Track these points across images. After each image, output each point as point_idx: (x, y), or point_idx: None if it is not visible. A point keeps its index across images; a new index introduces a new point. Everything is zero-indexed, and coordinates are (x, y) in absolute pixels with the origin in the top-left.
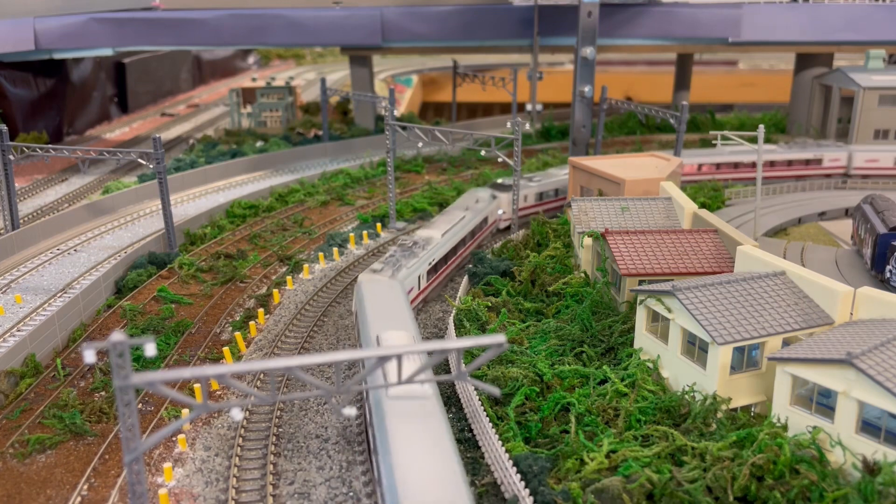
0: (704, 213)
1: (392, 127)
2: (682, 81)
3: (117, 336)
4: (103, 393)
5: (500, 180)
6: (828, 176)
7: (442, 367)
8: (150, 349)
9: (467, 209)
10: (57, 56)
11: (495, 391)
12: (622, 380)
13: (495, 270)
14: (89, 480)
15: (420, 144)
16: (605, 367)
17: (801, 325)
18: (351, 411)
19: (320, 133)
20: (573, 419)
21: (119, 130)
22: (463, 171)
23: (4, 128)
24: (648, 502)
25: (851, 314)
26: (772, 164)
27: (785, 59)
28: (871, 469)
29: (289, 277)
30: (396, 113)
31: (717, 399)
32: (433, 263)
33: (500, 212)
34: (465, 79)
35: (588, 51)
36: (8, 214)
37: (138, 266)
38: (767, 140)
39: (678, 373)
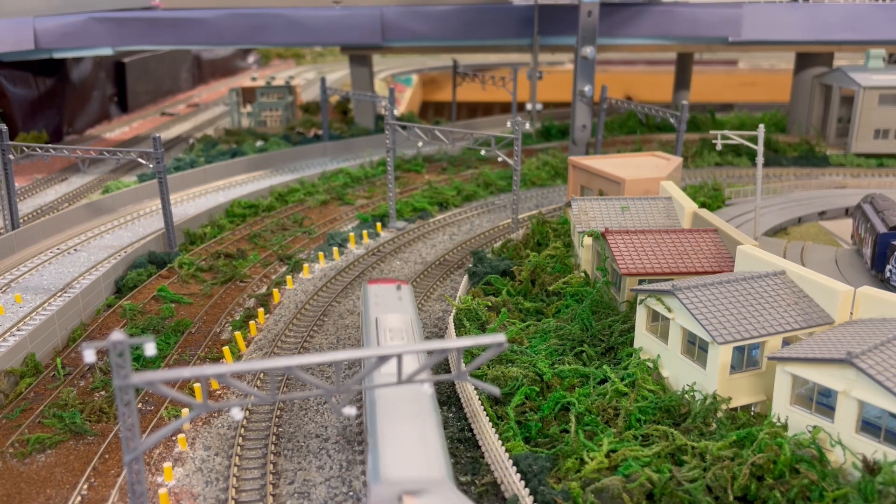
0: (704, 212)
1: (392, 126)
2: (682, 81)
3: (117, 335)
4: (103, 392)
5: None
6: None
7: (442, 367)
8: (150, 349)
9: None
10: (57, 56)
11: (495, 391)
12: (622, 379)
13: (495, 270)
14: (89, 480)
15: (420, 144)
16: (605, 366)
17: (802, 325)
18: (351, 411)
19: (320, 132)
20: (573, 419)
21: (119, 130)
22: (463, 171)
23: (4, 127)
24: (648, 502)
25: (851, 314)
26: None
27: (785, 58)
28: (871, 468)
29: (289, 277)
30: (396, 112)
31: (717, 398)
32: None
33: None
34: (465, 78)
35: (588, 50)
36: (8, 214)
37: (138, 265)
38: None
39: (678, 372)
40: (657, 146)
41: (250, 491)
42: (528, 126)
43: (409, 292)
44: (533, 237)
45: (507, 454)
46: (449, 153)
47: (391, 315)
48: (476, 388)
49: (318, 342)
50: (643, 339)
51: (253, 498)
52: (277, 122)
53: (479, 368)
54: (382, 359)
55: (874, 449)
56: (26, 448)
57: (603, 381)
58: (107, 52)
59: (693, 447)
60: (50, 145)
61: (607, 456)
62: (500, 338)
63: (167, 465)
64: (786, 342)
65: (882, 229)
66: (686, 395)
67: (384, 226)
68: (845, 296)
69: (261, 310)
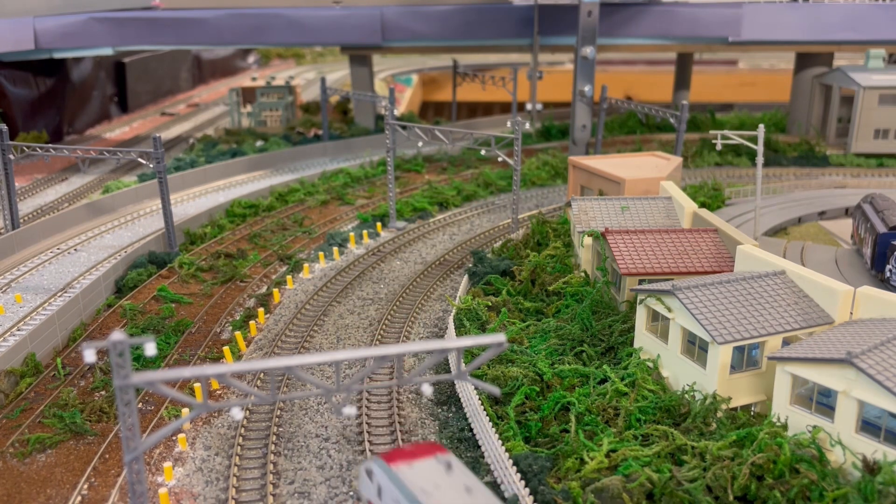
0: (704, 212)
1: (392, 126)
2: (682, 81)
3: (117, 335)
4: (103, 392)
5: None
6: None
7: (442, 367)
8: (150, 348)
9: None
10: (57, 56)
11: (495, 390)
12: (622, 379)
13: (495, 270)
14: (89, 480)
15: (420, 144)
16: (605, 366)
17: (801, 325)
18: (351, 410)
19: (320, 132)
20: (573, 418)
21: (119, 130)
22: (463, 171)
23: (4, 127)
24: (648, 502)
25: (851, 313)
26: None
27: (785, 58)
28: (870, 468)
29: (289, 277)
30: (396, 112)
31: (717, 398)
32: None
33: None
34: (465, 78)
35: (588, 50)
36: (8, 214)
37: (138, 265)
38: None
39: (678, 372)
40: (657, 146)
41: (250, 491)
42: (528, 126)
43: (464, 470)
44: (533, 237)
45: (507, 454)
46: (449, 153)
47: None
48: (476, 388)
49: (318, 342)
50: (643, 339)
51: (253, 498)
52: (277, 122)
53: (479, 368)
54: (382, 359)
55: (874, 449)
56: (26, 448)
57: (603, 381)
58: (107, 52)
59: (693, 447)
60: (50, 145)
61: (607, 456)
62: (500, 338)
63: (167, 464)
64: (786, 342)
65: (882, 229)
66: (686, 395)
67: (384, 226)
68: (845, 296)
69: (261, 310)
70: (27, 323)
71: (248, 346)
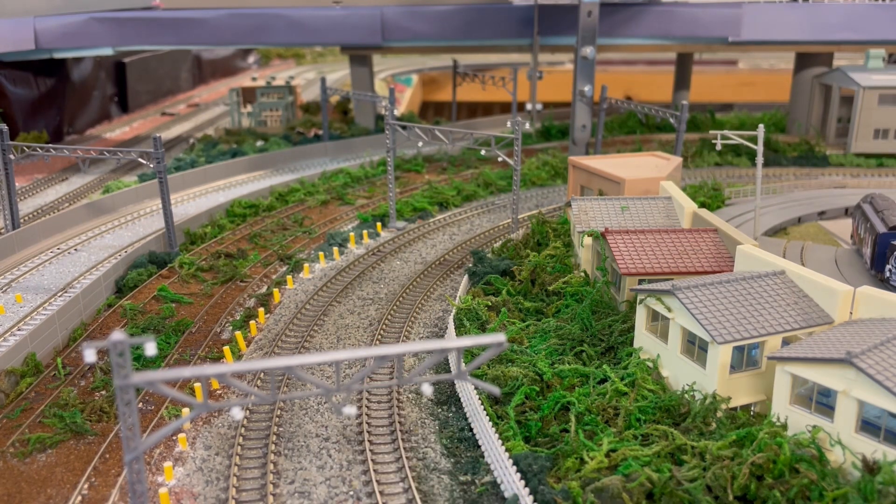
0: (704, 212)
1: (392, 126)
2: (682, 81)
3: (117, 335)
4: (104, 392)
5: None
6: None
7: (442, 367)
8: (151, 348)
9: None
10: (57, 55)
11: (495, 390)
12: (622, 379)
13: (495, 270)
14: (90, 479)
15: (420, 144)
16: (604, 366)
17: (801, 325)
18: (351, 410)
19: (320, 132)
20: (573, 418)
21: (119, 130)
22: (463, 171)
23: (5, 127)
24: (648, 501)
25: (851, 313)
26: None
27: (785, 58)
28: (870, 468)
29: (289, 277)
30: (396, 112)
31: (716, 398)
32: None
33: None
34: (465, 78)
35: (588, 50)
36: (8, 214)
37: (138, 265)
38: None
39: (678, 372)
40: (657, 146)
41: (251, 490)
42: (528, 126)
43: None
44: (533, 237)
45: (507, 454)
46: (449, 153)
47: None
48: (476, 388)
49: (318, 342)
50: (643, 338)
51: (253, 497)
52: (277, 122)
53: (479, 368)
54: (382, 358)
55: (874, 448)
56: (27, 448)
57: (603, 381)
58: (107, 52)
59: (693, 447)
60: (50, 145)
61: (607, 455)
62: (500, 337)
63: (168, 464)
64: (785, 342)
65: (882, 229)
66: (686, 395)
67: (384, 226)
68: (845, 296)
69: (261, 309)
70: (27, 323)
71: (248, 345)
